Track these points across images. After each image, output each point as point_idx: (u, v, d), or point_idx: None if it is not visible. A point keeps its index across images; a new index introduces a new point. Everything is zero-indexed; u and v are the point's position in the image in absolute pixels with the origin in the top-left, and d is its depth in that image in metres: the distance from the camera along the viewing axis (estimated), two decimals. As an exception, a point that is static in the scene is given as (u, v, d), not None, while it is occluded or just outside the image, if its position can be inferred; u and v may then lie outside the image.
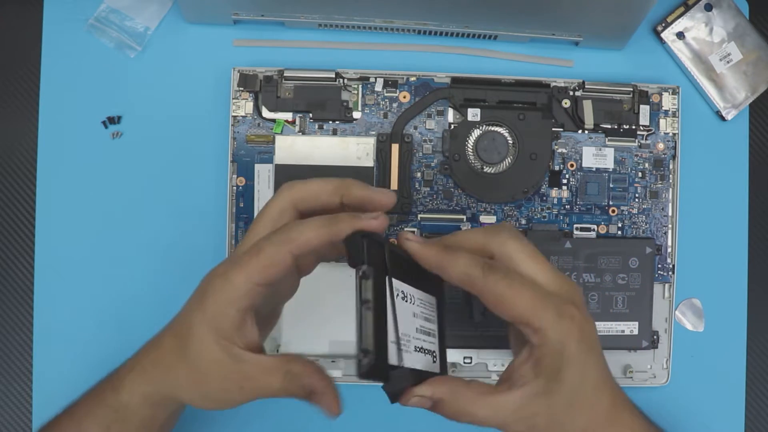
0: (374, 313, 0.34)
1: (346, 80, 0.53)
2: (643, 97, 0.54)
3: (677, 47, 0.56)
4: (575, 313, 0.37)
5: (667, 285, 0.54)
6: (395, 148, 0.53)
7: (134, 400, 0.40)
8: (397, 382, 0.35)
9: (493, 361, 0.53)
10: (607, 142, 0.54)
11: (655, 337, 0.54)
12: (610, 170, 0.54)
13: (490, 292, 0.36)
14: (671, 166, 0.55)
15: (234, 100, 0.53)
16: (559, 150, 0.54)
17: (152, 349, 0.41)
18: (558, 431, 0.38)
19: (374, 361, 0.33)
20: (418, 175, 0.54)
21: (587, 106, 0.54)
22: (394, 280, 0.36)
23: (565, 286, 0.38)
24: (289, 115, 0.53)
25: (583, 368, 0.37)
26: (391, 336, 0.35)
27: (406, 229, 0.53)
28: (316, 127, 0.53)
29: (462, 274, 0.37)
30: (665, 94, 0.55)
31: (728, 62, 0.56)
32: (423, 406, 0.37)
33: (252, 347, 0.37)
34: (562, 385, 0.37)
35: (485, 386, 0.38)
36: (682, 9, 0.56)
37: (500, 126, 0.53)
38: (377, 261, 0.35)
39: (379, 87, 0.53)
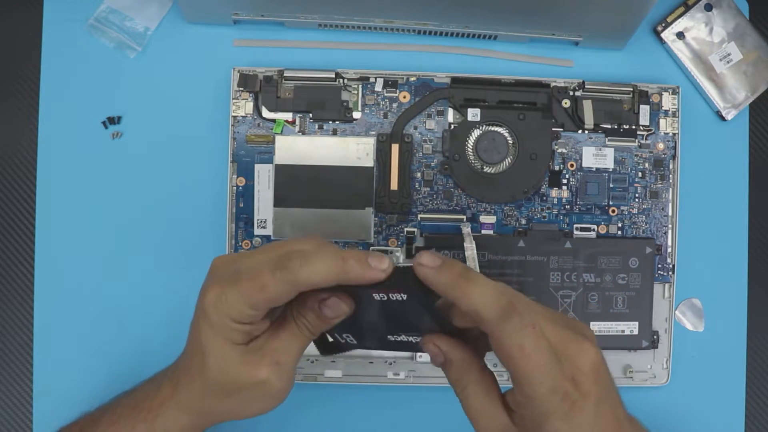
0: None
1: (346, 80, 0.53)
2: (643, 97, 0.54)
3: (677, 47, 0.56)
4: (570, 392, 0.35)
5: (667, 285, 0.54)
6: (395, 148, 0.53)
7: (173, 430, 0.41)
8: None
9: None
10: (607, 142, 0.54)
11: (655, 337, 0.54)
12: (610, 170, 0.54)
13: (500, 340, 0.34)
14: (671, 166, 0.55)
15: (234, 100, 0.53)
16: (559, 150, 0.54)
17: (178, 377, 0.41)
18: None
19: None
20: (418, 175, 0.54)
21: (587, 106, 0.54)
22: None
23: (562, 374, 0.35)
24: (289, 115, 0.53)
25: None
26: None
27: (406, 229, 0.53)
28: (316, 127, 0.53)
29: (474, 311, 0.34)
30: (665, 94, 0.55)
31: (728, 62, 0.56)
32: (434, 360, 0.38)
33: (265, 330, 0.39)
34: None
35: (493, 387, 0.38)
36: (682, 9, 0.56)
37: (500, 126, 0.53)
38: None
39: (379, 87, 0.53)
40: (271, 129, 0.53)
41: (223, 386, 0.38)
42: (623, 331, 0.53)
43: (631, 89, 0.54)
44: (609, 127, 0.54)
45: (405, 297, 0.36)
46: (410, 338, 0.39)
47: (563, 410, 0.35)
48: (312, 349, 0.53)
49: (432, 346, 0.38)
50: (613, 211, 0.54)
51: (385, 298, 0.36)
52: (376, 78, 0.53)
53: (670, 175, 0.55)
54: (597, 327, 0.53)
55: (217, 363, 0.38)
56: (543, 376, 0.34)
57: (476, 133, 0.53)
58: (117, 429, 0.41)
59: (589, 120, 0.54)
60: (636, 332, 0.53)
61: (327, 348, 0.42)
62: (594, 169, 0.54)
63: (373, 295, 0.36)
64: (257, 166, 0.53)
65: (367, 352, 0.53)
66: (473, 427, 0.38)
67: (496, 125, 0.53)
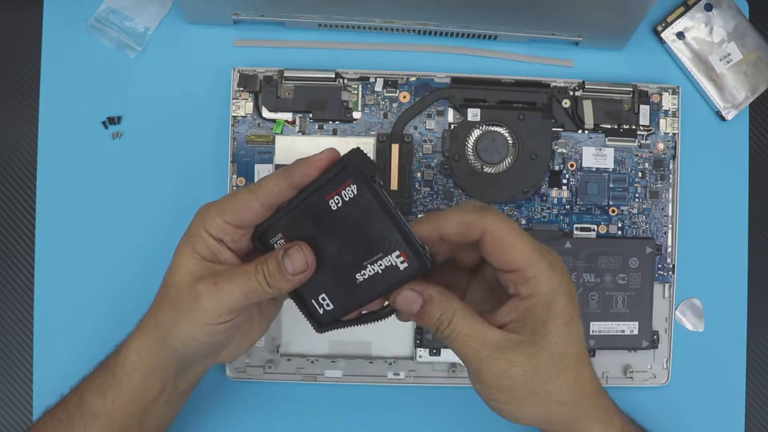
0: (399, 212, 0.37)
1: (346, 80, 0.53)
2: (643, 97, 0.54)
3: (677, 47, 0.56)
4: (565, 269, 0.38)
5: (667, 285, 0.54)
6: (395, 148, 0.53)
7: (130, 358, 0.42)
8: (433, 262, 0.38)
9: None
10: (607, 142, 0.54)
11: (655, 337, 0.54)
12: (610, 170, 0.54)
13: (490, 233, 0.37)
14: (671, 166, 0.55)
15: (234, 101, 0.53)
16: (559, 150, 0.54)
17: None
18: (535, 388, 0.37)
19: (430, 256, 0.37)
20: (418, 175, 0.54)
21: (587, 106, 0.54)
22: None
23: (552, 254, 0.38)
24: (289, 115, 0.53)
25: (569, 327, 0.37)
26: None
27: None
28: (316, 127, 0.53)
29: (460, 224, 0.37)
30: (665, 94, 0.55)
31: (728, 62, 0.56)
32: (411, 306, 0.38)
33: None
34: (546, 339, 0.37)
35: (475, 314, 0.38)
36: (682, 9, 0.56)
37: (500, 126, 0.53)
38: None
39: (379, 87, 0.53)
40: (271, 129, 0.53)
41: (171, 291, 0.40)
42: (623, 331, 0.53)
43: (631, 89, 0.54)
44: (609, 127, 0.54)
45: (356, 190, 0.37)
46: (376, 267, 0.38)
47: (566, 287, 0.37)
48: (311, 348, 0.53)
49: (407, 292, 0.38)
50: (613, 211, 0.54)
51: (340, 202, 0.37)
52: (376, 78, 0.53)
53: (670, 175, 0.55)
54: (597, 327, 0.53)
55: (176, 265, 0.41)
56: (539, 253, 0.37)
57: (476, 133, 0.53)
58: (97, 373, 0.44)
59: (589, 120, 0.54)
60: (636, 332, 0.53)
61: (321, 325, 0.41)
62: (594, 169, 0.54)
63: (329, 202, 0.38)
64: (257, 166, 0.53)
65: (367, 351, 0.53)
66: (466, 359, 0.38)
67: (496, 125, 0.53)
